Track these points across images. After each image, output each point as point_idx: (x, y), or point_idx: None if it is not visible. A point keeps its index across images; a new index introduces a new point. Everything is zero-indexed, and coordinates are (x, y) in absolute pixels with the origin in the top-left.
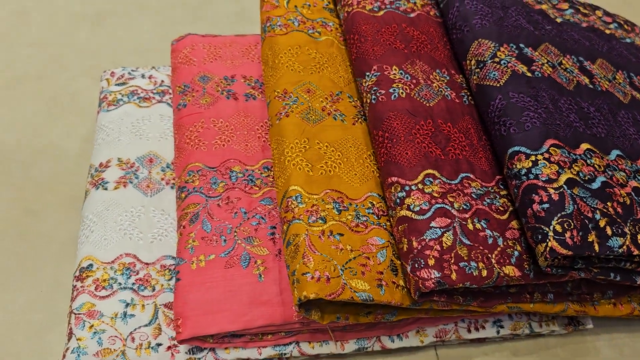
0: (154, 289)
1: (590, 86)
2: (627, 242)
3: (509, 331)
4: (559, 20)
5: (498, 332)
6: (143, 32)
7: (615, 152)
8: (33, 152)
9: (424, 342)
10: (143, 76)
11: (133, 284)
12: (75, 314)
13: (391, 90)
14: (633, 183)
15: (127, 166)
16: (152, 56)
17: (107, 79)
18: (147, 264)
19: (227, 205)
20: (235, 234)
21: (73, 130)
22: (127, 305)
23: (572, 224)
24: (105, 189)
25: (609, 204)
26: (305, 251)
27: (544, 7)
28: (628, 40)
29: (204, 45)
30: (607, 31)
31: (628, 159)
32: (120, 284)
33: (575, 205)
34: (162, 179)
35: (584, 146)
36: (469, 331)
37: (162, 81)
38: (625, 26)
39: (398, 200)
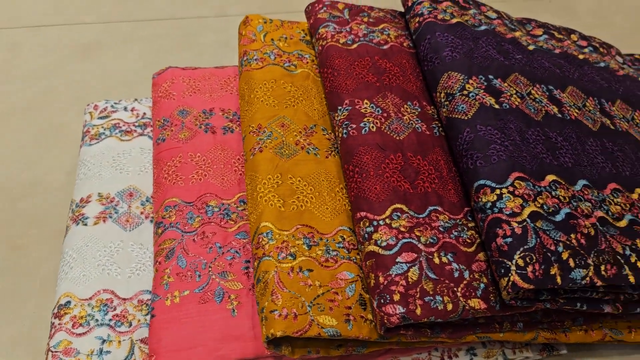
0: (130, 325)
1: (559, 115)
2: (590, 274)
3: (482, 359)
4: (531, 47)
5: (471, 359)
6: (131, 63)
7: (581, 182)
8: (19, 186)
9: None
10: (125, 109)
11: (110, 320)
12: (52, 351)
13: (362, 125)
14: (598, 213)
15: (107, 201)
16: (140, 87)
17: (90, 112)
18: (124, 299)
19: (202, 240)
20: (210, 269)
21: (59, 164)
22: (104, 341)
23: (534, 257)
24: (85, 224)
25: (572, 235)
26: (273, 288)
27: (517, 34)
28: (602, 65)
29: (183, 79)
30: (581, 56)
31: (594, 189)
32: (97, 320)
33: (538, 239)
34: (142, 213)
35: (550, 178)
36: None
37: (144, 113)
38: (601, 49)
39: (366, 235)
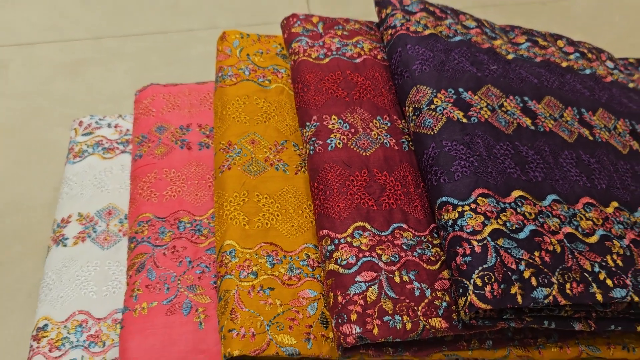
0: (104, 345)
1: (532, 127)
2: (554, 292)
3: None
4: (510, 57)
5: None
6: (118, 80)
7: (550, 197)
8: (4, 203)
9: None
10: (109, 125)
11: (84, 341)
12: None
13: (328, 141)
14: (567, 229)
15: (87, 220)
16: (127, 102)
17: (75, 129)
18: (99, 319)
19: (172, 254)
20: (179, 282)
21: (44, 180)
22: None
23: (493, 277)
24: (65, 245)
25: (536, 253)
26: (233, 307)
27: (497, 43)
28: (587, 72)
29: (163, 95)
30: (564, 64)
31: (565, 204)
32: (72, 342)
33: (498, 257)
34: (120, 231)
35: (516, 193)
36: None
37: (127, 130)
38: (589, 55)
39: (328, 254)
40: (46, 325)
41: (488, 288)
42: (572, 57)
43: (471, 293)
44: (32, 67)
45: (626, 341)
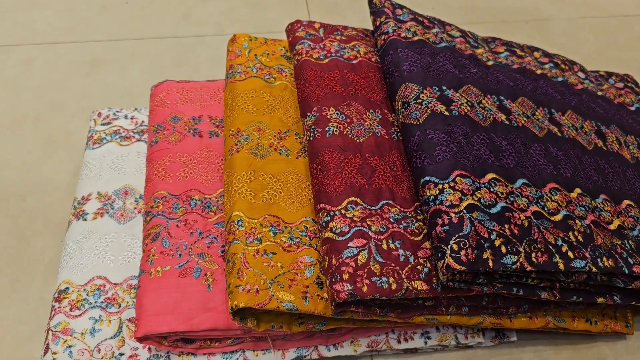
0: (120, 306)
1: (506, 122)
2: (521, 259)
3: (436, 342)
4: (490, 63)
5: (426, 342)
6: (133, 77)
7: (521, 181)
8: (28, 185)
9: (357, 351)
10: (126, 117)
11: (102, 302)
12: (52, 331)
13: (327, 129)
14: (534, 208)
15: (105, 198)
16: (140, 98)
17: (94, 119)
18: (115, 284)
19: (184, 226)
20: (190, 250)
21: (64, 166)
22: (96, 321)
23: (468, 243)
24: (85, 219)
25: (506, 226)
26: (240, 267)
27: (479, 51)
28: (559, 79)
29: (177, 90)
30: (539, 71)
31: (533, 187)
32: (90, 303)
33: (473, 227)
34: (135, 209)
35: (489, 176)
36: (399, 342)
37: (143, 121)
38: (563, 65)
39: (324, 224)
40: (67, 288)
41: (463, 252)
42: (546, 66)
43: (448, 256)
44: (54, 64)
45: (589, 315)
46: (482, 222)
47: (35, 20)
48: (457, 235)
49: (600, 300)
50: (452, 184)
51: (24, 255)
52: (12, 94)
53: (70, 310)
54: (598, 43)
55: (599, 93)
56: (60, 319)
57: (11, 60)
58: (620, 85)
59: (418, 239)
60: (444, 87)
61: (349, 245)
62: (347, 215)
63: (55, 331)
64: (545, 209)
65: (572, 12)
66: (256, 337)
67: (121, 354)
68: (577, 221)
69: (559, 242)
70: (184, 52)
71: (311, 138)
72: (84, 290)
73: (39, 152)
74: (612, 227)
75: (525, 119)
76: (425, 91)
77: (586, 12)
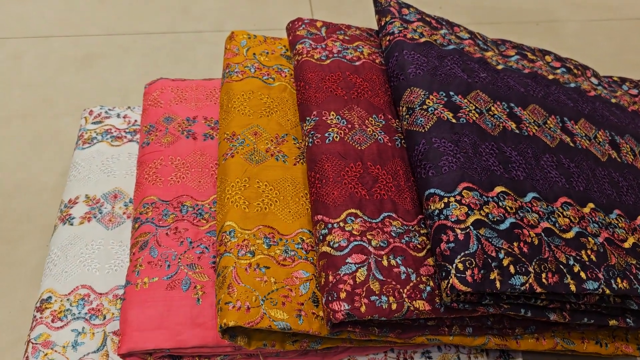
0: (104, 318)
1: (517, 131)
2: (531, 280)
3: None
4: (500, 67)
5: None
6: (127, 74)
7: (531, 195)
8: (14, 185)
9: None
10: (118, 115)
11: (86, 313)
12: (32, 343)
13: (326, 135)
14: (545, 224)
15: (93, 202)
16: (134, 97)
17: (85, 117)
18: (100, 294)
19: (174, 234)
20: (180, 260)
21: (52, 165)
22: (79, 333)
23: (474, 262)
24: (72, 224)
25: (515, 244)
26: (230, 282)
27: (488, 54)
28: (572, 85)
29: (172, 89)
30: (551, 76)
31: (544, 201)
32: (74, 314)
33: (480, 245)
34: (124, 213)
35: (498, 189)
36: None
37: (135, 121)
38: (575, 70)
39: (321, 237)
40: (50, 297)
41: (469, 272)
42: (558, 71)
43: (453, 276)
44: (45, 59)
45: (600, 337)
46: (490, 240)
47: (25, 12)
48: (462, 254)
49: (612, 322)
50: (458, 198)
51: (7, 259)
52: (0, 90)
53: (52, 321)
54: (611, 46)
55: (613, 100)
56: (42, 331)
57: (0, 54)
58: (635, 92)
59: (421, 254)
60: (452, 93)
61: (347, 261)
62: (346, 229)
63: (36, 344)
64: (557, 225)
65: (585, 14)
66: (247, 354)
67: None
68: (590, 239)
69: (571, 262)
70: (181, 48)
71: (310, 144)
72: (67, 300)
73: (27, 151)
74: (626, 245)
75: (536, 127)
76: (431, 96)
77: (599, 14)
